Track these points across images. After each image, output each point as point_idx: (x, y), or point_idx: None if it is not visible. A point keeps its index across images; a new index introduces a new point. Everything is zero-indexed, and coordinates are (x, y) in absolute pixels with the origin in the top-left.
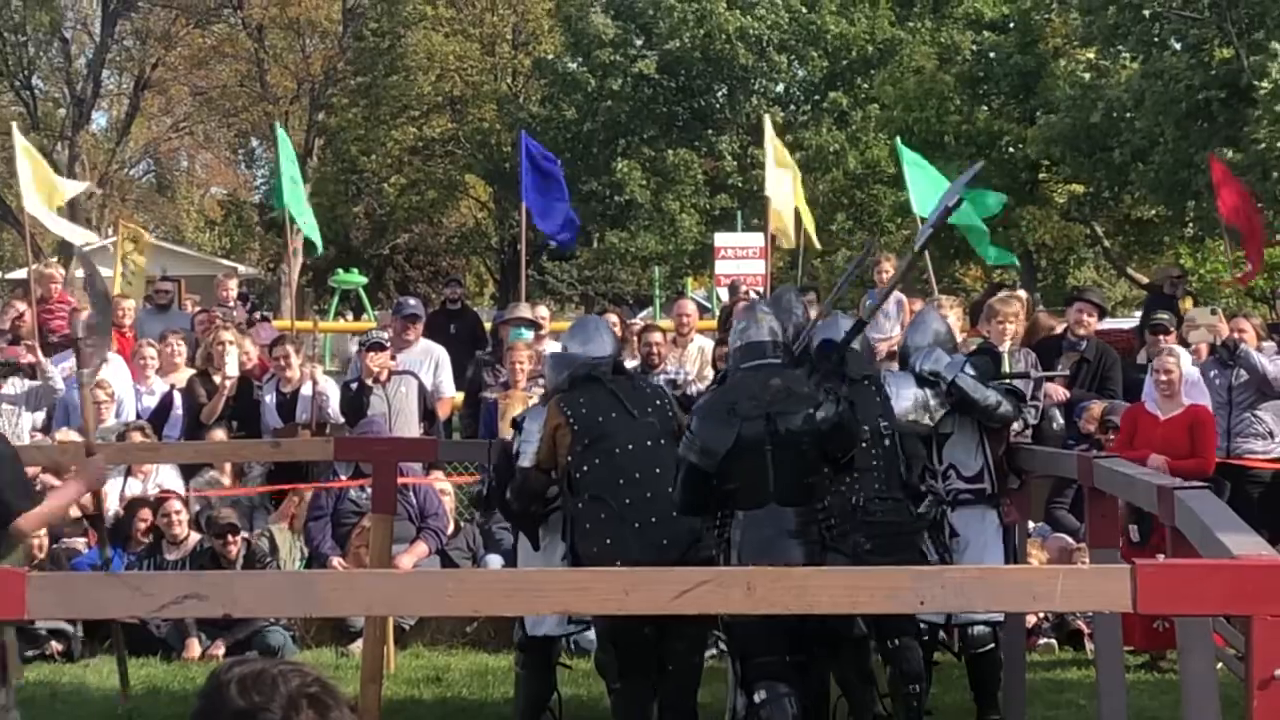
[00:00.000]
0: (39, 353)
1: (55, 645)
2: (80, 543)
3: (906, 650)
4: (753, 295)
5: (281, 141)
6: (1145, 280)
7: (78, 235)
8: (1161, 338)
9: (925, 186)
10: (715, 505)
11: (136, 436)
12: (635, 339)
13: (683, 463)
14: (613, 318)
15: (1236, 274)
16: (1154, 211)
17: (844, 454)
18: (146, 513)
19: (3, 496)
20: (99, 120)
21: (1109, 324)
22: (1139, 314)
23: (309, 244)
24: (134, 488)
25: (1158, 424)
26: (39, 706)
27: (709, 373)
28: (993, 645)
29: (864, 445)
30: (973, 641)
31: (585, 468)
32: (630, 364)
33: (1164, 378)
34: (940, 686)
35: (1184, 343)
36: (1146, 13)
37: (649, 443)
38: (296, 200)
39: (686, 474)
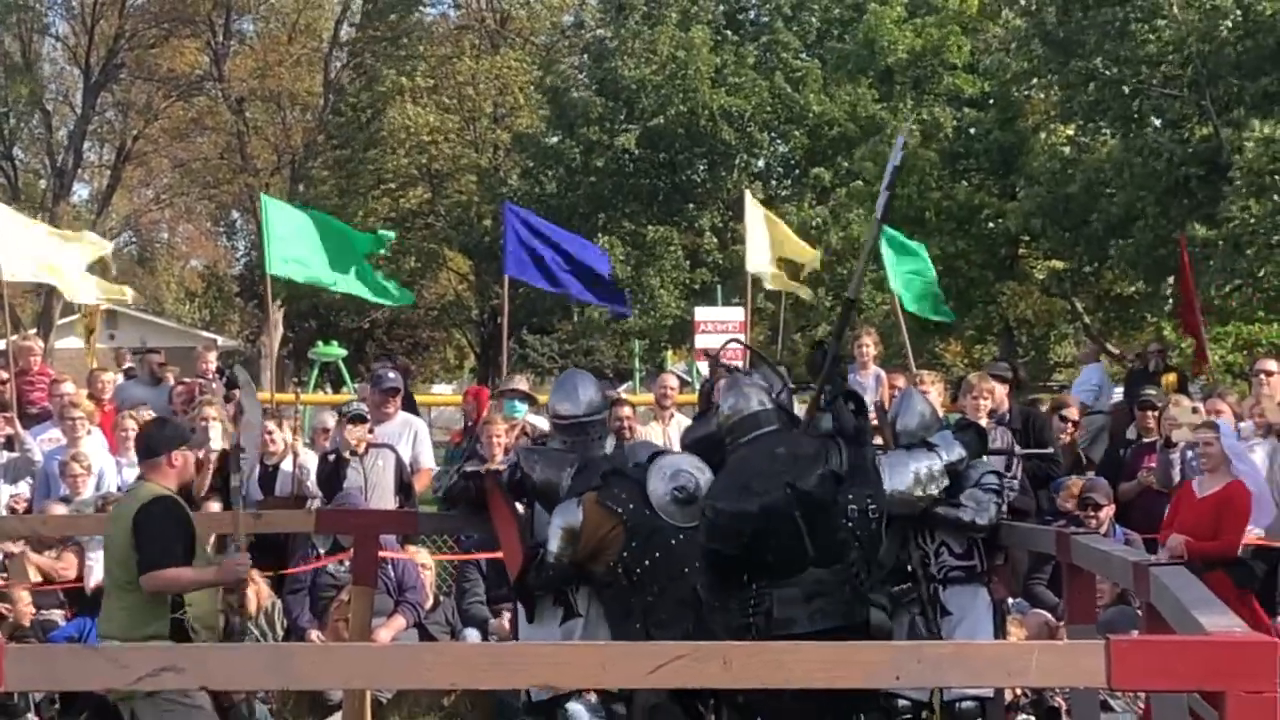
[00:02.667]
0: (17, 424)
1: (32, 718)
2: (58, 614)
3: None
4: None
5: (273, 208)
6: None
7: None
8: (1148, 414)
9: (902, 262)
10: (744, 580)
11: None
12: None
13: (707, 552)
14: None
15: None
16: (1134, 287)
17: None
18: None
19: (142, 550)
20: (80, 192)
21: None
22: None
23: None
24: None
25: (1194, 502)
26: None
27: None
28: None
29: (849, 523)
30: (960, 716)
31: (647, 562)
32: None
33: (1203, 450)
34: None
35: (1169, 441)
36: (1126, 89)
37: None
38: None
39: (713, 561)
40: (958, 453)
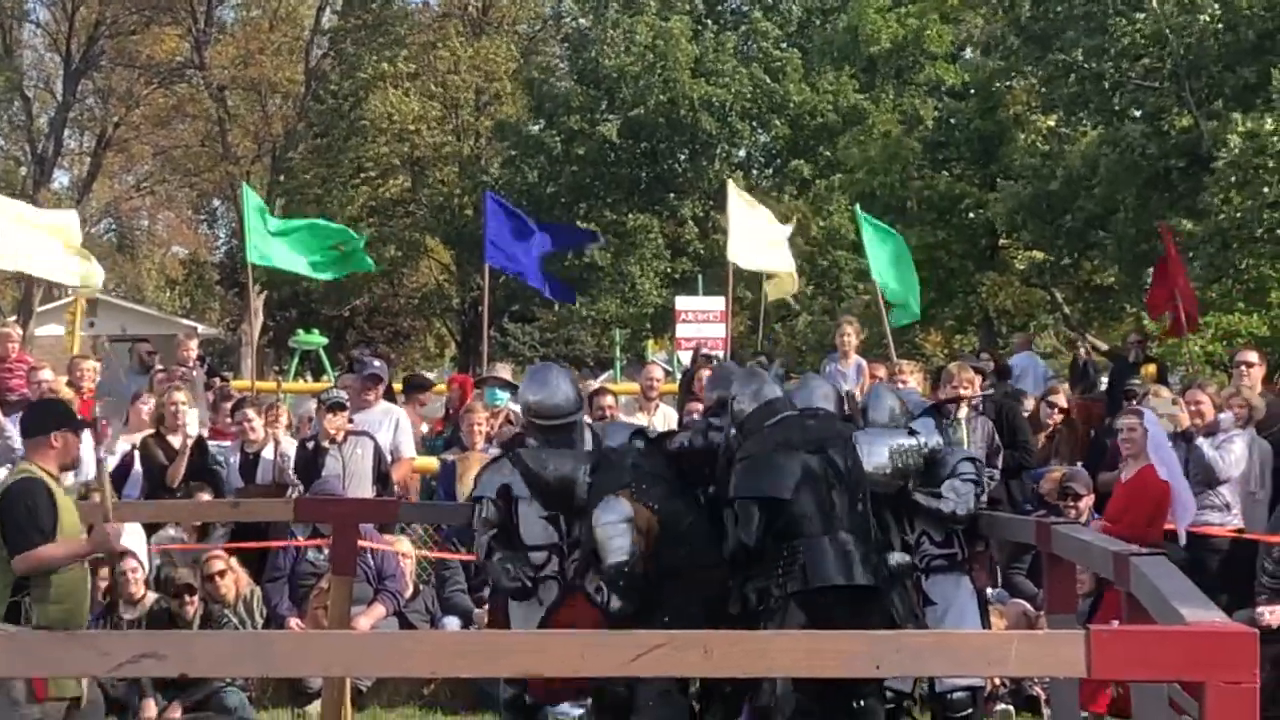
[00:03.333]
0: None
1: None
2: None
3: (870, 714)
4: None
5: (247, 197)
6: (1105, 347)
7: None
8: (1131, 404)
9: (883, 252)
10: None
11: (96, 497)
12: (587, 401)
13: (744, 516)
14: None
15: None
16: (1113, 278)
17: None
18: (105, 572)
19: (7, 533)
20: (60, 179)
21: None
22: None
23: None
24: None
25: (1117, 488)
26: None
27: None
28: (971, 710)
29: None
30: (952, 706)
31: (682, 553)
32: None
33: (1124, 435)
34: None
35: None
36: (1106, 83)
37: (698, 513)
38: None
39: (748, 521)
40: (936, 440)
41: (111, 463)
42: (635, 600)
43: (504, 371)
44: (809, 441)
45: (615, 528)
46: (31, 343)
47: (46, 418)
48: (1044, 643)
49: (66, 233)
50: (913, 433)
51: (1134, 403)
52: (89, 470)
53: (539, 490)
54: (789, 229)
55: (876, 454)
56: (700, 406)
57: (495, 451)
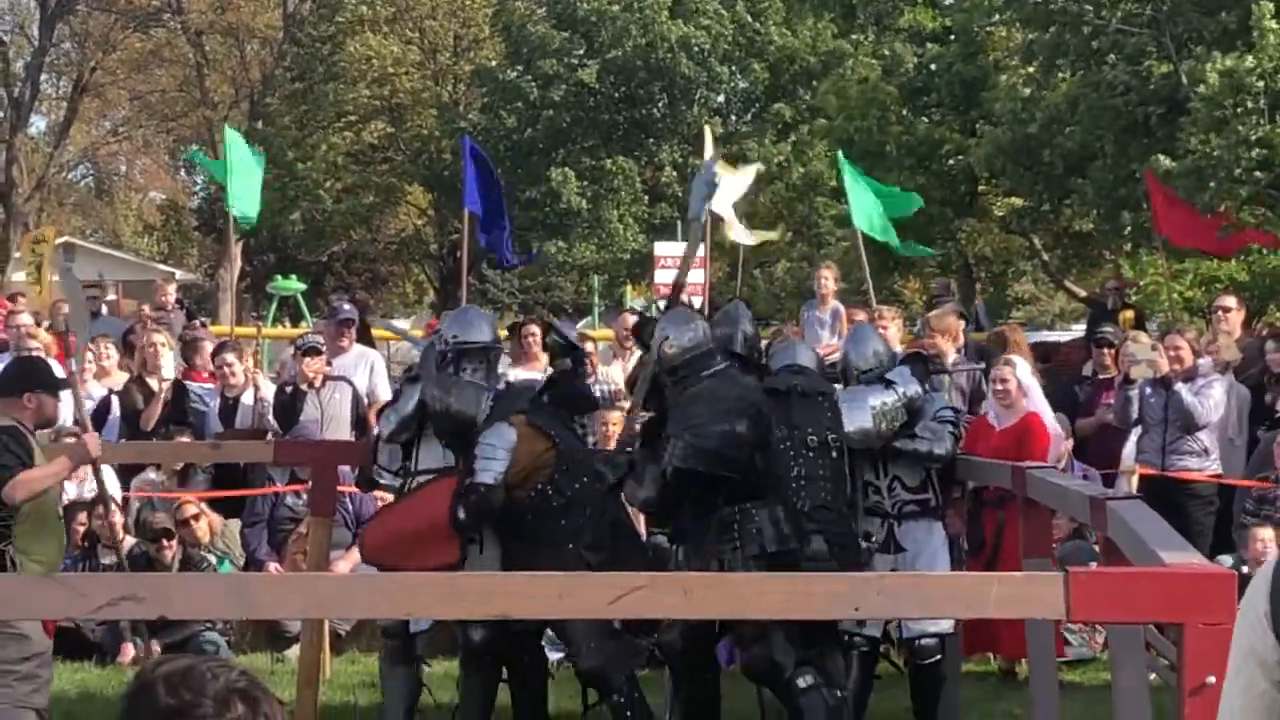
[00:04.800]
0: None
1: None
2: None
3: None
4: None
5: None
6: (1083, 294)
7: None
8: (1105, 351)
9: (865, 199)
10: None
11: (68, 441)
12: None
13: (676, 474)
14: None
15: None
16: (1092, 225)
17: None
18: (84, 516)
19: None
20: (37, 124)
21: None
22: (1076, 327)
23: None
24: (70, 491)
25: (993, 434)
26: None
27: None
28: (940, 657)
29: (810, 454)
30: (920, 652)
31: (577, 485)
32: None
33: (1000, 387)
34: (877, 695)
35: (1128, 378)
36: (1087, 29)
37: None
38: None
39: (680, 484)
40: (915, 389)
41: (89, 407)
42: (477, 523)
43: None
44: (751, 404)
45: (494, 450)
46: (7, 288)
47: (21, 378)
48: (1023, 584)
49: None
50: (889, 384)
51: (1108, 351)
52: (65, 415)
53: (435, 417)
54: (742, 178)
55: (859, 417)
56: None
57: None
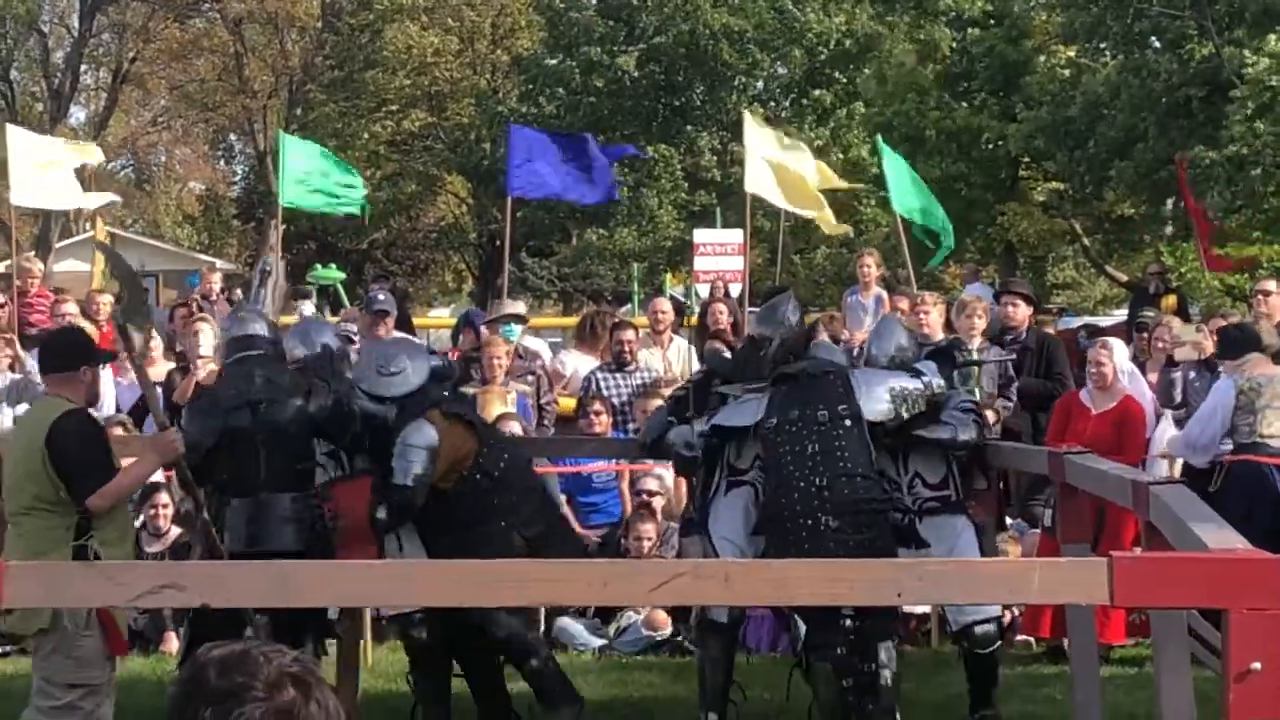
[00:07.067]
0: (18, 346)
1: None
2: None
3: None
4: (731, 292)
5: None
6: (1124, 278)
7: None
8: (1146, 335)
9: (905, 184)
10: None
11: (117, 430)
12: (607, 335)
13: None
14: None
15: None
16: (1133, 209)
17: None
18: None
19: (72, 474)
20: (77, 114)
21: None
22: (1118, 312)
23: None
24: None
25: (1089, 417)
26: (16, 700)
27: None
28: (999, 644)
29: (821, 428)
30: (978, 642)
31: (501, 464)
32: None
33: (1095, 370)
34: (921, 679)
35: (1171, 360)
36: (1129, 10)
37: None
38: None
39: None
40: (939, 382)
41: (131, 397)
42: (398, 523)
43: (510, 307)
44: (240, 394)
45: (415, 452)
46: (51, 279)
47: (77, 351)
48: (1066, 570)
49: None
50: (917, 374)
51: (1145, 334)
52: (109, 405)
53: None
54: (808, 161)
55: (875, 396)
56: (719, 343)
57: (515, 385)
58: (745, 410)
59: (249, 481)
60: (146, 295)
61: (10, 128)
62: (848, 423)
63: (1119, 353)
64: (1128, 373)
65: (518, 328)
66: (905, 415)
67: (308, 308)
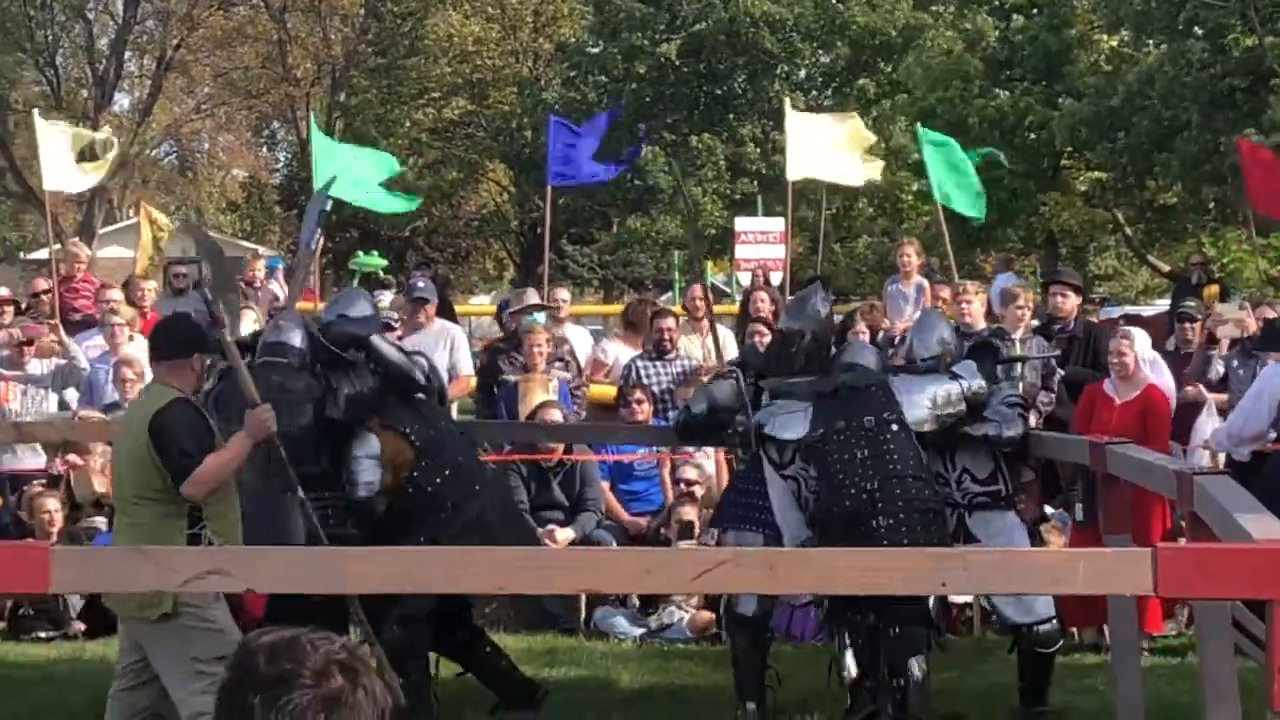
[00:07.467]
0: (62, 331)
1: (78, 625)
2: (100, 522)
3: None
4: (772, 280)
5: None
6: (1166, 268)
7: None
8: (1188, 326)
9: (946, 171)
10: None
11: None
12: (648, 324)
13: None
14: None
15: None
16: (1176, 199)
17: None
18: None
19: (174, 463)
20: (121, 101)
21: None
22: (1160, 302)
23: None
24: None
25: (1113, 407)
26: (60, 683)
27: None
28: (1061, 642)
29: (869, 434)
30: (1041, 641)
31: (438, 480)
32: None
33: (1116, 360)
34: (962, 670)
35: (1212, 337)
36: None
37: (473, 451)
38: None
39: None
40: (979, 383)
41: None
42: (368, 533)
43: (532, 296)
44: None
45: (363, 463)
46: (95, 265)
47: (191, 338)
48: (1111, 561)
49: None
50: (955, 376)
51: (1190, 325)
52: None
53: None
54: (855, 126)
55: (916, 405)
56: (762, 329)
57: (557, 372)
58: (793, 423)
59: (256, 483)
60: (235, 273)
61: (37, 118)
62: (894, 427)
63: (1140, 341)
64: (1149, 361)
65: (541, 316)
66: (946, 423)
67: (386, 298)
